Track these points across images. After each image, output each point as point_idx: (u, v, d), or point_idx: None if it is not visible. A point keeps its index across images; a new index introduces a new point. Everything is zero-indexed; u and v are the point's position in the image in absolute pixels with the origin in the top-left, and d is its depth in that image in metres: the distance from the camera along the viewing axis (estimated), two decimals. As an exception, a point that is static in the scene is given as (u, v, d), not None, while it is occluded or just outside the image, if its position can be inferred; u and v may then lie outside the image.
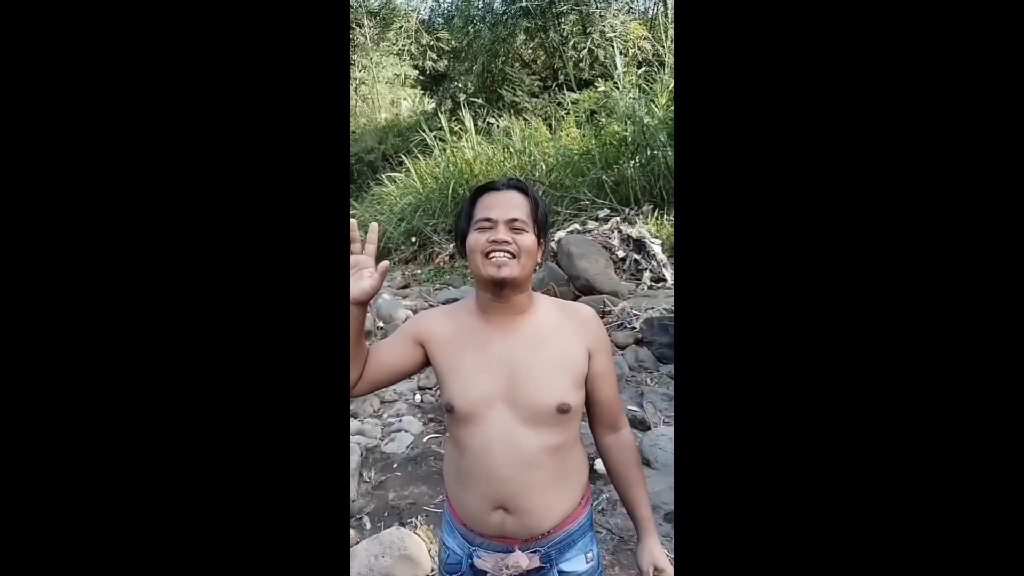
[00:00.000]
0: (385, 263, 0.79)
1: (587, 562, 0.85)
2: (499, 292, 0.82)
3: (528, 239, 0.83)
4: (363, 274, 0.78)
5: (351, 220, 0.81)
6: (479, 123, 6.96)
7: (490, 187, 0.87)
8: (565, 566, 0.83)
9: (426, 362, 0.88)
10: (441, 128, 6.66)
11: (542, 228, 0.86)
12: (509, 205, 0.83)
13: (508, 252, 0.80)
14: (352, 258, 0.79)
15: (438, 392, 2.88)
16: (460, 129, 6.70)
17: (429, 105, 10.06)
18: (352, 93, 11.18)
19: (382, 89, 10.82)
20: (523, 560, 0.80)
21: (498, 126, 6.65)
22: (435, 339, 0.87)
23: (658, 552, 0.85)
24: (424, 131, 6.87)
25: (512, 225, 0.82)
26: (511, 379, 0.81)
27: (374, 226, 0.82)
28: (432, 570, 1.67)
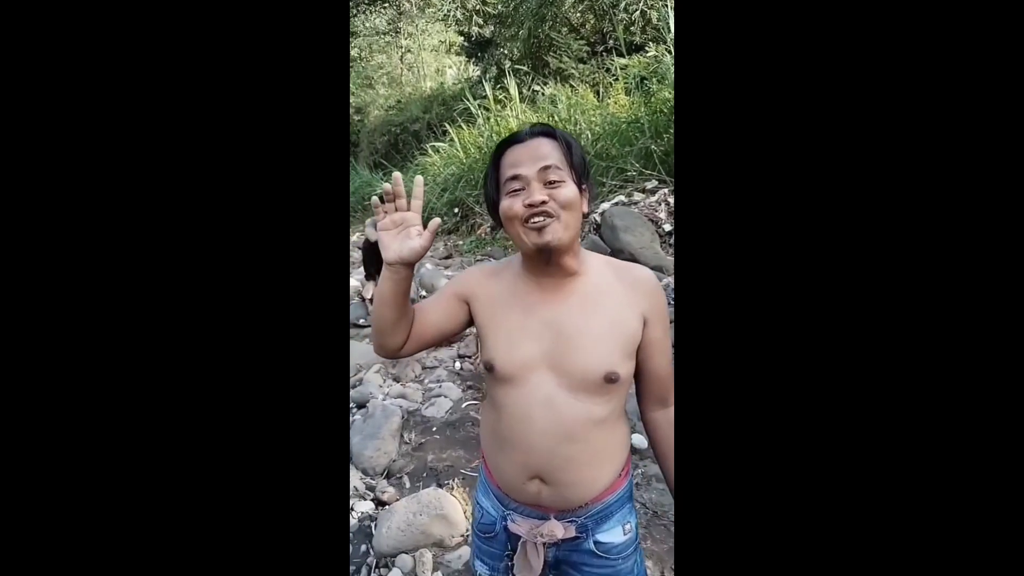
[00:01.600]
0: (436, 220, 0.72)
1: (624, 534, 0.83)
2: (547, 259, 0.75)
3: (568, 191, 0.73)
4: (411, 232, 0.73)
5: (396, 174, 0.77)
6: (524, 91, 6.80)
7: (513, 139, 0.77)
8: (601, 536, 0.81)
9: (470, 320, 0.84)
10: (485, 96, 6.55)
11: (581, 175, 0.75)
12: (538, 155, 0.73)
13: (547, 214, 0.72)
14: (398, 215, 0.74)
15: (477, 360, 2.90)
16: (504, 97, 6.57)
17: (474, 73, 9.92)
18: (398, 62, 11.18)
19: (427, 57, 10.75)
20: (558, 530, 0.79)
21: (543, 94, 6.48)
22: (480, 297, 0.82)
23: None
24: (468, 100, 6.78)
25: (546, 178, 0.72)
26: (557, 343, 0.76)
27: (419, 179, 0.75)
28: (466, 531, 1.70)
